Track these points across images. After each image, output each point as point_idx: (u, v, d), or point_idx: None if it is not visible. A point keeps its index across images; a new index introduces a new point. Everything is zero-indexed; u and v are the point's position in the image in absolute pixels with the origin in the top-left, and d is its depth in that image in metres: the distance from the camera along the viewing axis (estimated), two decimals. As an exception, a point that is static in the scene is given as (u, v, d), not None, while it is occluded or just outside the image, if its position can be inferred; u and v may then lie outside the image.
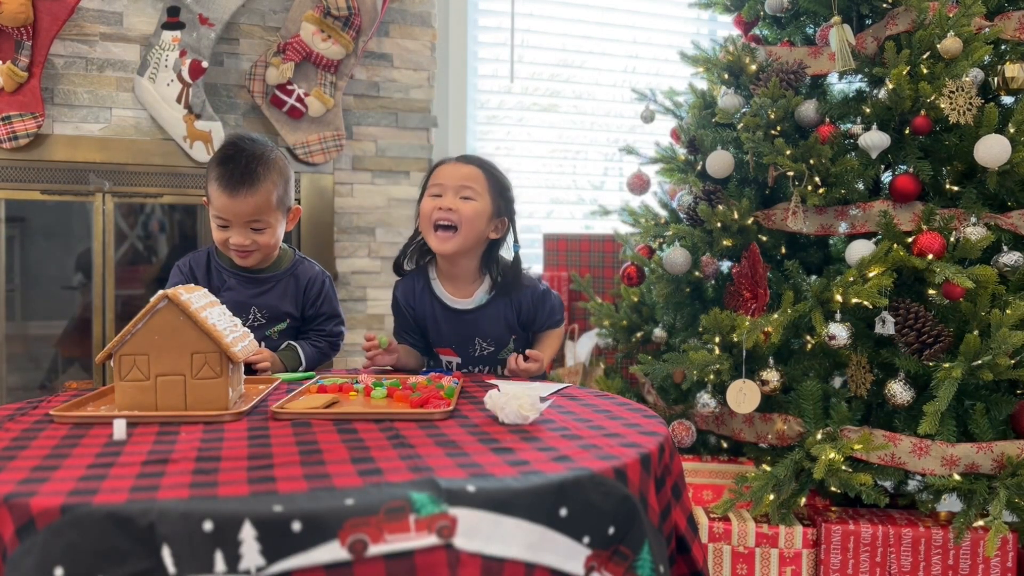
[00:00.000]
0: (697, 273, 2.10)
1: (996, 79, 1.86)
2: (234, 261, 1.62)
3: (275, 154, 1.59)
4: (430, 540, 0.76)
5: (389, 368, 1.61)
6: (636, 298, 2.38)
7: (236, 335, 1.24)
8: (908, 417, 1.80)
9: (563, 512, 0.83)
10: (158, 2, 2.26)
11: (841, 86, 2.13)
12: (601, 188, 3.32)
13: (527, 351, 1.55)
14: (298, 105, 2.35)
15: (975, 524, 1.71)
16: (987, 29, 1.86)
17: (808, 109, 1.95)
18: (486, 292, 1.64)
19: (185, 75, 2.23)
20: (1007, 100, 1.94)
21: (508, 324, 1.65)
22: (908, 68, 1.81)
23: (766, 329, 1.81)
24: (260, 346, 1.58)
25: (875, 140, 1.84)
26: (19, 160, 2.16)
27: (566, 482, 0.84)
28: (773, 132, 1.97)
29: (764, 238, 2.05)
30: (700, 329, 1.98)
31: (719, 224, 2.01)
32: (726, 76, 2.16)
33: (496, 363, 1.68)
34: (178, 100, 2.24)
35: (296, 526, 0.73)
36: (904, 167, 1.91)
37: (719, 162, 2.07)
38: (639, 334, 2.34)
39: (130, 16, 2.26)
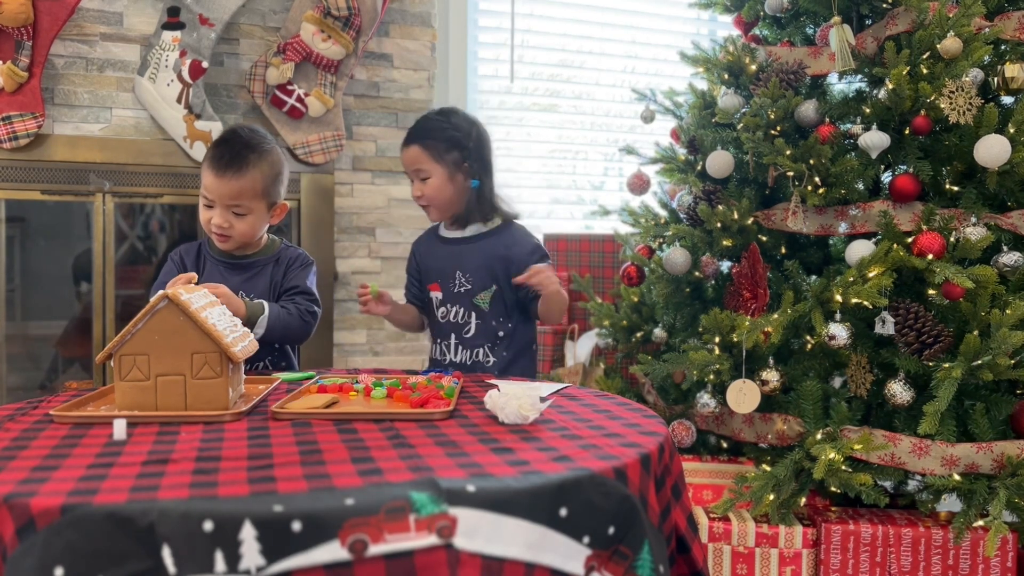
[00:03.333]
0: (697, 273, 2.10)
1: (996, 79, 1.86)
2: (215, 244, 1.66)
3: (270, 147, 1.64)
4: (430, 540, 0.76)
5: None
6: (636, 298, 2.38)
7: (236, 335, 1.24)
8: (908, 417, 1.80)
9: (563, 512, 0.83)
10: (158, 2, 2.26)
11: (841, 86, 2.13)
12: (601, 188, 3.32)
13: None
14: (298, 105, 2.35)
15: (975, 524, 1.71)
16: (987, 29, 1.86)
17: (808, 109, 1.95)
18: (476, 227, 1.74)
19: (185, 75, 2.23)
20: (1007, 100, 1.94)
21: (490, 266, 1.68)
22: (908, 68, 1.81)
23: (766, 329, 1.82)
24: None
25: (875, 140, 1.84)
26: (19, 160, 2.16)
27: (566, 482, 0.84)
28: (773, 132, 1.97)
29: (764, 238, 2.05)
30: (700, 329, 1.98)
31: (719, 224, 2.01)
32: (726, 76, 2.16)
33: (471, 307, 1.69)
34: (178, 100, 2.24)
35: (296, 526, 0.73)
36: (904, 167, 1.91)
37: (719, 162, 2.07)
38: (639, 334, 2.34)
39: (130, 16, 2.26)
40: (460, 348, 1.70)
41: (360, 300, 1.69)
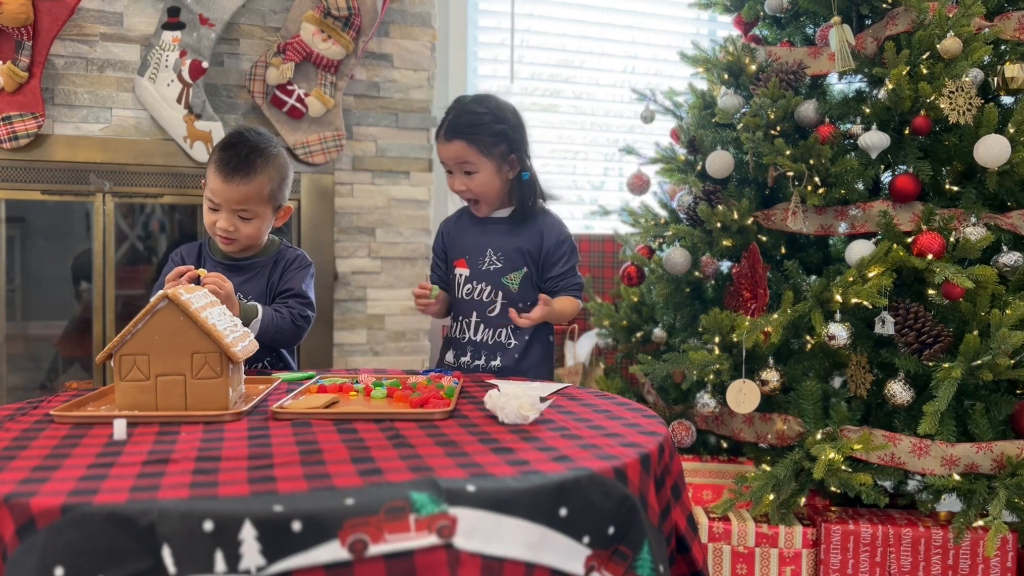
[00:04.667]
0: (697, 273, 2.10)
1: (996, 79, 1.86)
2: (218, 245, 1.66)
3: (277, 150, 1.64)
4: (430, 540, 0.76)
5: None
6: (636, 298, 2.39)
7: (236, 335, 1.24)
8: (908, 417, 1.81)
9: (563, 512, 0.83)
10: (158, 2, 2.26)
11: (841, 86, 2.13)
12: (601, 188, 3.32)
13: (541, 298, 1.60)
14: (298, 105, 2.35)
15: (975, 524, 1.71)
16: (987, 29, 1.86)
17: (808, 109, 1.95)
18: (510, 211, 1.73)
19: (185, 75, 2.23)
20: (1007, 100, 1.94)
21: (522, 248, 1.68)
22: (908, 68, 1.82)
23: (766, 329, 1.82)
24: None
25: (875, 140, 1.84)
26: (19, 160, 2.16)
27: (566, 482, 0.84)
28: (773, 132, 1.97)
29: (764, 238, 2.05)
30: (700, 329, 1.98)
31: (719, 224, 2.01)
32: (726, 76, 2.16)
33: (499, 286, 1.68)
34: (178, 100, 2.24)
35: (296, 526, 0.73)
36: (904, 167, 1.91)
37: (719, 162, 2.07)
38: (639, 334, 2.34)
39: (130, 16, 2.26)
40: (482, 327, 1.68)
41: (417, 300, 1.65)
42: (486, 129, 1.63)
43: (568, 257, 1.70)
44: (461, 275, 1.71)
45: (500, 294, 1.68)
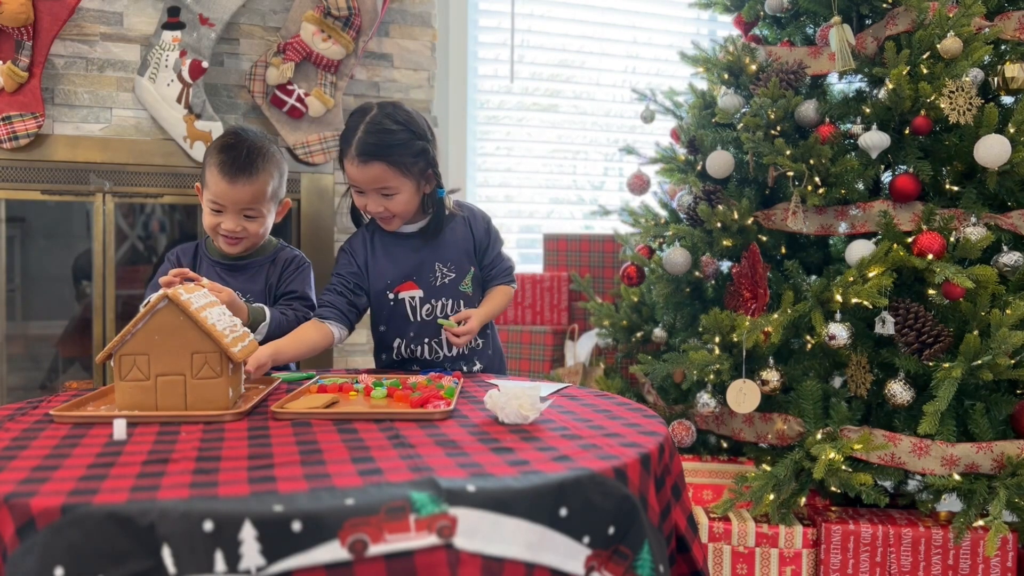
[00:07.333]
0: (697, 273, 2.10)
1: (996, 79, 1.86)
2: (222, 248, 1.65)
3: (273, 147, 1.65)
4: (430, 540, 0.76)
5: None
6: (636, 298, 2.39)
7: (236, 335, 1.24)
8: (908, 417, 1.81)
9: (563, 512, 0.83)
10: (158, 2, 2.26)
11: (841, 86, 2.13)
12: (601, 188, 3.32)
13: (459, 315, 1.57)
14: (298, 105, 2.35)
15: (975, 524, 1.71)
16: (987, 29, 1.86)
17: (808, 109, 1.95)
18: (424, 222, 1.63)
19: (185, 75, 2.23)
20: (1007, 100, 1.94)
21: (466, 249, 1.64)
22: (908, 68, 1.82)
23: (766, 329, 1.82)
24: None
25: (875, 140, 1.84)
26: (19, 160, 2.16)
27: (566, 482, 0.84)
28: (773, 132, 1.97)
29: (764, 238, 2.05)
30: (700, 329, 1.98)
31: (719, 224, 2.01)
32: (726, 76, 2.16)
33: (459, 296, 1.62)
34: (178, 100, 2.24)
35: (296, 526, 0.73)
36: (904, 167, 1.91)
37: (719, 162, 2.07)
38: (639, 334, 2.34)
39: (130, 16, 2.26)
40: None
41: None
42: (407, 149, 1.50)
43: (494, 242, 1.68)
44: (415, 297, 1.62)
45: (461, 303, 1.63)
